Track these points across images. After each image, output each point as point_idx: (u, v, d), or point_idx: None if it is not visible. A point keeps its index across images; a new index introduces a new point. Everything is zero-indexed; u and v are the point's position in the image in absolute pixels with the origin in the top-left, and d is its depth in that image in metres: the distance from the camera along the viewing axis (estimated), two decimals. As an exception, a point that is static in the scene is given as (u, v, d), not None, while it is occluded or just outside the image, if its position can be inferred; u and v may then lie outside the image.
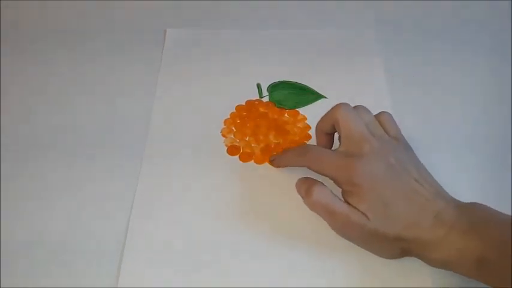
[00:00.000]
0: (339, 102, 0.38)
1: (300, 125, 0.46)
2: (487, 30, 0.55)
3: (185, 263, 0.37)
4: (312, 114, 0.47)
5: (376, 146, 0.35)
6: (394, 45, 0.53)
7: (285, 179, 0.41)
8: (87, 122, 0.46)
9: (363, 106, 0.39)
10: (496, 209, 0.33)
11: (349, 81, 0.50)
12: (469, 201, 0.34)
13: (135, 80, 0.49)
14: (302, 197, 0.37)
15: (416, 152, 0.39)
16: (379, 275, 0.36)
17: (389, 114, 0.39)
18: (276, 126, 0.46)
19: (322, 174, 0.37)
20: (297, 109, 0.47)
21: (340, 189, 0.36)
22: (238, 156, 0.44)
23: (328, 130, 0.39)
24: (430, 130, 0.46)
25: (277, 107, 0.47)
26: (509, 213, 0.33)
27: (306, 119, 0.47)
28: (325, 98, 0.48)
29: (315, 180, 0.37)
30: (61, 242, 0.38)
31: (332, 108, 0.38)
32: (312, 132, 0.45)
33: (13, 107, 0.47)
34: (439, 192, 0.35)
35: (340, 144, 0.37)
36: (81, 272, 0.37)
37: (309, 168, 0.37)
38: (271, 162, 0.43)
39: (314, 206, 0.36)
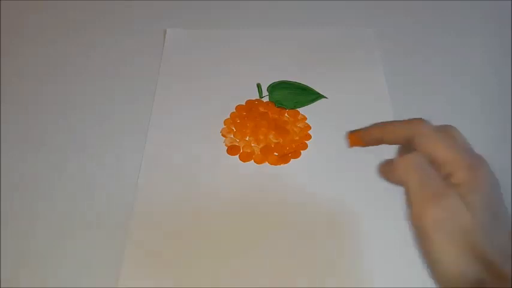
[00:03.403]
0: (419, 118, 0.30)
1: (300, 124, 0.46)
2: (487, 30, 0.55)
3: (185, 263, 0.37)
4: (312, 114, 0.47)
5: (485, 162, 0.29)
6: (394, 45, 0.53)
7: (285, 179, 0.41)
8: (87, 122, 0.46)
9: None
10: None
11: (349, 81, 0.50)
12: None
13: (135, 80, 0.49)
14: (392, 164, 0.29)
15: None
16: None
17: (456, 129, 0.31)
18: (276, 126, 0.46)
19: (439, 154, 0.28)
20: (297, 109, 0.47)
21: None
22: (238, 156, 0.44)
23: (391, 142, 0.31)
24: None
25: (277, 107, 0.47)
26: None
27: (306, 118, 0.47)
28: (325, 98, 0.48)
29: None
30: (61, 242, 0.38)
31: (411, 126, 0.30)
32: (312, 132, 0.45)
33: (14, 102, 0.47)
34: None
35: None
36: (81, 272, 0.37)
37: (418, 147, 0.29)
38: (356, 135, 0.32)
39: (408, 165, 0.28)
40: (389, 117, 0.46)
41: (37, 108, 0.47)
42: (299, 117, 0.47)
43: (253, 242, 0.38)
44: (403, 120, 0.30)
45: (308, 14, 0.57)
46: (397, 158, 0.29)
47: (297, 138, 0.45)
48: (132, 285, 0.36)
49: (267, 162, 0.43)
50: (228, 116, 0.47)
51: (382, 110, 0.47)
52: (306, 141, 0.45)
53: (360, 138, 0.32)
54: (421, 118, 0.30)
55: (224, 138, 0.45)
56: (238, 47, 0.53)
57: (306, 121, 0.46)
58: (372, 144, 0.31)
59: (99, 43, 0.53)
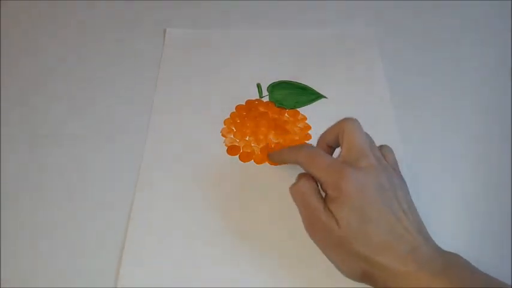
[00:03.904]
0: (349, 117, 0.37)
1: (300, 125, 0.46)
2: (487, 31, 0.55)
3: (185, 263, 0.37)
4: (312, 114, 0.47)
5: (374, 163, 0.35)
6: (394, 45, 0.53)
7: (286, 179, 0.41)
8: (86, 122, 0.46)
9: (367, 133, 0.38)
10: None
11: (349, 81, 0.50)
12: (451, 246, 0.33)
13: (134, 80, 0.49)
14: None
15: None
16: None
17: (391, 149, 0.38)
18: (276, 126, 0.46)
19: (313, 174, 0.36)
20: (297, 109, 0.47)
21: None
22: (238, 156, 0.44)
23: (331, 142, 0.38)
24: (431, 129, 0.46)
25: (277, 107, 0.47)
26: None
27: (306, 119, 0.47)
28: (325, 98, 0.48)
29: (311, 176, 0.36)
30: (60, 242, 0.38)
31: (341, 120, 0.37)
32: (312, 132, 0.45)
33: (12, 102, 0.47)
34: (421, 231, 0.34)
35: (339, 155, 0.36)
36: (81, 272, 0.37)
37: (302, 166, 0.37)
38: (269, 157, 0.43)
39: (294, 193, 0.36)
40: (390, 117, 0.46)
41: (37, 108, 0.47)
42: (299, 117, 0.47)
43: (254, 242, 0.38)
44: (293, 147, 0.39)
45: (308, 14, 0.57)
46: (291, 186, 0.36)
47: (297, 138, 0.45)
48: (132, 285, 0.36)
49: (267, 162, 0.43)
50: (228, 116, 0.47)
51: (382, 110, 0.47)
52: (306, 141, 0.45)
53: (271, 159, 0.42)
54: (304, 144, 0.39)
55: (224, 138, 0.45)
56: (238, 47, 0.53)
57: (306, 121, 0.46)
58: (282, 164, 0.42)
59: (98, 43, 0.53)
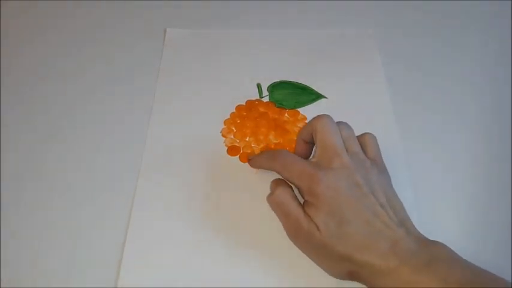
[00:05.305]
0: (321, 114, 0.37)
1: (300, 125, 0.46)
2: (487, 31, 0.55)
3: (185, 263, 0.37)
4: (312, 114, 0.46)
5: (346, 162, 0.35)
6: (394, 45, 0.53)
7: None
8: (86, 122, 0.46)
9: (345, 122, 0.38)
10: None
11: (349, 81, 0.50)
12: (433, 239, 0.33)
13: (134, 80, 0.49)
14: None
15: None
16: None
17: (373, 136, 0.38)
18: (276, 126, 0.46)
19: (289, 181, 0.36)
20: (297, 109, 0.47)
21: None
22: (238, 156, 0.44)
23: (308, 139, 0.39)
24: (430, 129, 0.46)
25: (277, 107, 0.47)
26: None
27: (306, 119, 0.47)
28: (325, 98, 0.48)
29: (286, 182, 0.37)
30: (60, 242, 0.38)
31: (313, 118, 0.38)
32: (312, 132, 0.45)
33: (12, 102, 0.47)
34: (403, 222, 0.34)
35: (313, 156, 0.37)
36: (81, 272, 0.37)
37: (278, 172, 0.37)
38: (249, 162, 0.42)
39: (272, 204, 0.36)
40: (390, 117, 0.46)
41: (37, 108, 0.47)
42: (299, 117, 0.47)
43: (254, 242, 0.38)
44: (269, 153, 0.39)
45: (308, 14, 0.57)
46: (268, 196, 0.37)
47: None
48: (132, 285, 0.36)
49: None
50: (228, 116, 0.47)
51: (382, 110, 0.47)
52: (306, 142, 0.45)
53: (250, 165, 0.42)
54: (280, 150, 0.39)
55: (224, 138, 0.45)
56: (239, 47, 0.53)
57: (306, 121, 0.46)
58: (260, 168, 0.42)
59: (98, 43, 0.53)
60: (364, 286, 0.34)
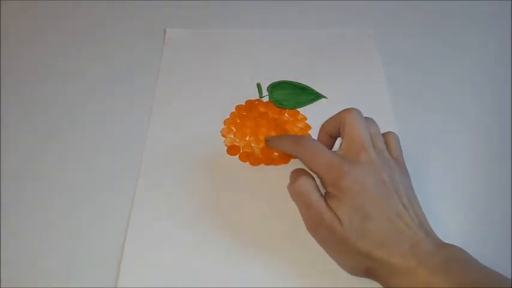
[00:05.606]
0: (350, 107, 0.37)
1: (300, 125, 0.46)
2: (487, 31, 0.55)
3: (185, 263, 0.37)
4: (312, 114, 0.47)
5: (373, 158, 0.35)
6: (394, 45, 0.53)
7: (286, 179, 0.41)
8: (86, 122, 0.46)
9: (372, 118, 0.38)
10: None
11: (349, 81, 0.50)
12: (451, 243, 0.33)
13: (134, 80, 0.49)
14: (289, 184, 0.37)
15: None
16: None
17: (396, 136, 0.38)
18: (276, 126, 0.46)
19: (311, 170, 0.36)
20: (297, 109, 0.47)
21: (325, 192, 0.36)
22: (238, 156, 0.44)
23: (333, 132, 0.38)
24: (430, 129, 0.46)
25: (277, 107, 0.47)
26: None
27: (306, 119, 0.47)
28: (325, 98, 0.48)
29: (308, 172, 0.37)
30: (60, 242, 0.38)
31: (342, 111, 0.37)
32: (312, 132, 0.45)
33: (12, 102, 0.47)
34: (423, 225, 0.34)
35: (339, 148, 0.36)
36: (81, 272, 0.37)
37: (301, 159, 0.36)
38: (267, 143, 0.42)
39: (294, 193, 0.36)
40: (390, 117, 0.46)
41: (37, 108, 0.47)
42: (299, 117, 0.47)
43: (254, 242, 0.38)
44: (295, 138, 0.39)
45: (308, 14, 0.57)
46: (289, 184, 0.37)
47: (297, 138, 0.45)
48: (132, 285, 0.36)
49: (262, 164, 0.43)
50: (228, 116, 0.47)
51: (382, 110, 0.47)
52: (306, 140, 0.45)
53: (269, 145, 0.42)
54: (305, 137, 0.38)
55: (224, 138, 0.45)
56: (238, 47, 0.53)
57: (306, 121, 0.46)
58: (278, 150, 0.42)
59: (98, 43, 0.53)
60: (371, 286, 0.34)
